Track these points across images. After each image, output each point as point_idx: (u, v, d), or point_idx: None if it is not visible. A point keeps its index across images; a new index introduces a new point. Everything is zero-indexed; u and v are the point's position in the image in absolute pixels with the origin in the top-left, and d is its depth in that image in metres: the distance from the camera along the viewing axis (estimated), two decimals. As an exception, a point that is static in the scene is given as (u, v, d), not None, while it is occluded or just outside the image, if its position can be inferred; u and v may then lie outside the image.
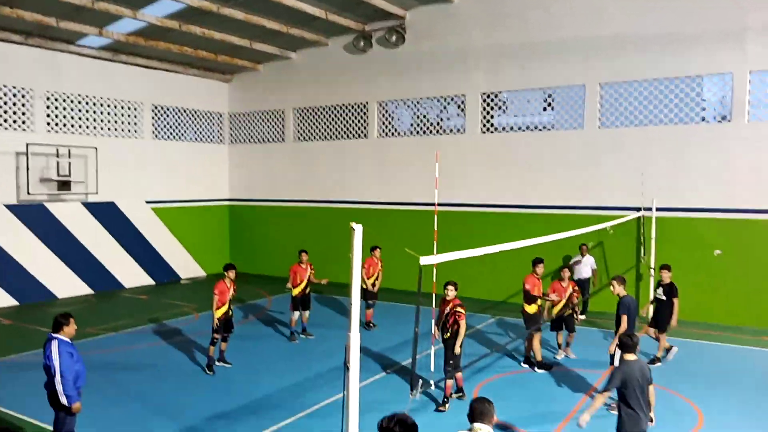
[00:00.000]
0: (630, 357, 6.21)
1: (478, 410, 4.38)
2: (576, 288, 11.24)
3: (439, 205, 16.69)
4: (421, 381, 6.55)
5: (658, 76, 14.40)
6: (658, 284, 10.93)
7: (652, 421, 6.67)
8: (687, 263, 13.62)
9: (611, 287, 9.03)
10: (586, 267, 14.42)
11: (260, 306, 15.91)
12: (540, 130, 16.24)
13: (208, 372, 10.25)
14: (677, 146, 14.20)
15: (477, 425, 4.32)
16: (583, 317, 13.67)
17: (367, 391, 8.58)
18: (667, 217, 14.18)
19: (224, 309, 10.37)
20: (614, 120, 15.15)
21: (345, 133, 19.43)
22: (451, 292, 8.80)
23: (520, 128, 16.57)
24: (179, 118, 20.53)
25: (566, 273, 11.03)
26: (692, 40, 13.90)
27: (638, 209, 14.25)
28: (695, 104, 14.25)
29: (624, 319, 8.72)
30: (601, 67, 15.02)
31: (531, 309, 10.57)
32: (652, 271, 13.92)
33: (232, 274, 10.50)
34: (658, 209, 14.16)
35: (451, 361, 8.60)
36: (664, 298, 10.59)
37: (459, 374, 8.85)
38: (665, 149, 14.31)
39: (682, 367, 10.56)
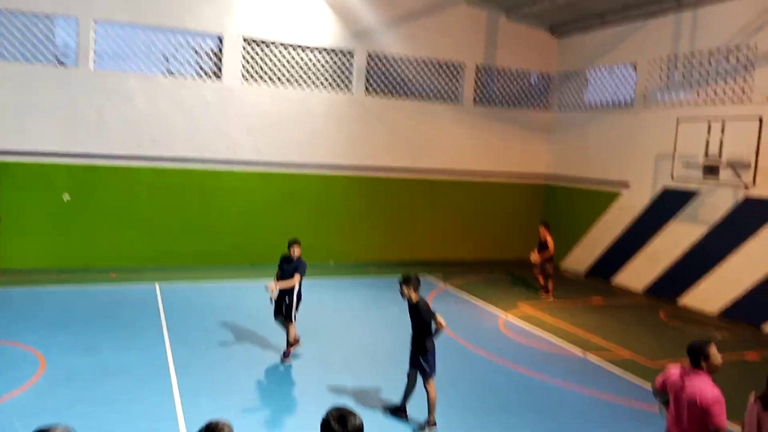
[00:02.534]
0: None
1: None
2: None
3: None
4: None
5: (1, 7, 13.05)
6: None
7: None
8: (35, 208, 13.16)
9: None
10: None
11: None
12: None
13: None
14: (22, 85, 13.28)
15: None
16: None
17: None
18: (11, 161, 13.22)
19: None
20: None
21: None
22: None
23: None
24: None
25: None
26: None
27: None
28: (44, 43, 13.58)
29: None
30: None
31: None
32: (-4, 220, 12.79)
33: None
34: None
35: None
36: None
37: None
38: (7, 86, 13.18)
39: (23, 315, 10.15)
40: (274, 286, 8.72)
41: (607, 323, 12.06)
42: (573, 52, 17.68)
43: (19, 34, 13.36)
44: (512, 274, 16.09)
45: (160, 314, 10.87)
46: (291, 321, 8.93)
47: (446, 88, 17.26)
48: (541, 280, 14.12)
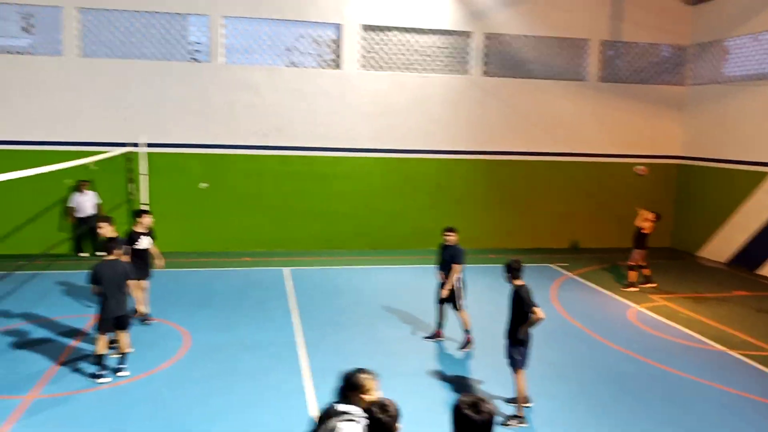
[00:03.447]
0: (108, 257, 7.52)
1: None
2: None
3: None
4: None
5: (140, 8, 14.17)
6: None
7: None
8: (176, 196, 14.27)
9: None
10: (87, 205, 13.83)
11: None
12: (17, 54, 13.99)
13: None
14: (164, 82, 14.39)
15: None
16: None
17: None
18: (155, 152, 14.38)
19: None
20: (96, 49, 14.25)
21: None
22: None
23: (-15, 49, 13.92)
24: None
25: None
26: (171, -24, 14.13)
27: (124, 145, 13.96)
28: (181, 42, 14.63)
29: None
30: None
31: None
32: (145, 206, 14.00)
33: None
34: (149, 145, 14.20)
35: None
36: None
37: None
38: (152, 84, 14.33)
39: (169, 295, 11.07)
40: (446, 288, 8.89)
41: (749, 317, 11.09)
42: (710, 19, 16.23)
43: (156, 33, 14.46)
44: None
45: (287, 296, 11.43)
46: (460, 309, 8.98)
47: (568, 64, 16.52)
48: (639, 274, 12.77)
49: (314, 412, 5.00)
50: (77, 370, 7.82)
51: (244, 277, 12.77)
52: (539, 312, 6.61)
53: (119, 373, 7.69)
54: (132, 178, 14.25)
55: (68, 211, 14.00)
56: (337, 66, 15.32)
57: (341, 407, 3.65)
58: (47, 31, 14.11)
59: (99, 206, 14.06)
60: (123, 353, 7.76)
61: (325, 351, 8.73)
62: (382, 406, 3.27)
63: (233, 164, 14.91)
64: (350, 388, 3.72)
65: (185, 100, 14.52)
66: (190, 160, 14.68)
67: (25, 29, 14.25)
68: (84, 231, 13.79)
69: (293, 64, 15.33)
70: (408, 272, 13.52)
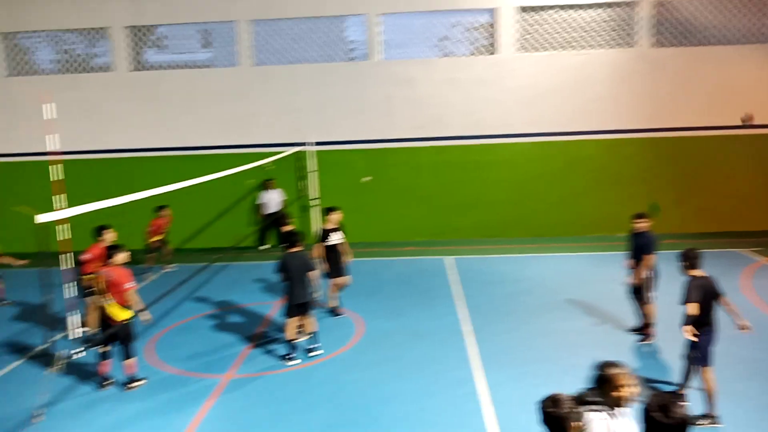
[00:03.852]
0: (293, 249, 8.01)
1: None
2: None
3: (77, 153, 15.02)
4: (58, 354, 5.84)
5: (303, 15, 15.10)
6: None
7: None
8: (342, 190, 15.08)
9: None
10: (273, 201, 14.97)
11: None
12: (198, 68, 15.66)
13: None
14: (327, 83, 15.23)
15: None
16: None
17: None
18: (322, 150, 15.28)
19: None
20: (266, 58, 15.46)
21: (-46, 71, 15.80)
22: None
23: (177, 66, 15.70)
24: None
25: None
26: (330, -19, 14.88)
27: (294, 145, 15.00)
28: (341, 43, 15.37)
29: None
30: (252, 2, 15.03)
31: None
32: (316, 202, 15.01)
33: None
34: (316, 143, 15.15)
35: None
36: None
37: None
38: (317, 86, 15.23)
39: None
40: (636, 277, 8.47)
41: None
42: None
43: (318, 37, 15.30)
44: None
45: (450, 284, 11.58)
46: (646, 302, 8.53)
47: (753, 25, 14.74)
48: None
49: (544, 396, 4.81)
50: (267, 353, 8.62)
51: (409, 266, 13.15)
52: (691, 308, 6.18)
53: (312, 353, 8.36)
54: (302, 175, 15.28)
55: (257, 208, 15.31)
56: (492, 51, 15.11)
57: (590, 397, 3.64)
58: (224, 45, 15.57)
59: (283, 203, 15.21)
60: (311, 333, 8.41)
61: (493, 341, 8.73)
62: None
63: (392, 157, 15.38)
64: (602, 380, 3.68)
65: (346, 98, 15.23)
66: (353, 156, 15.39)
67: (204, 44, 15.85)
68: (268, 225, 14.97)
69: (447, 54, 15.40)
70: (573, 261, 13.02)
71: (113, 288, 7.25)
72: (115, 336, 7.34)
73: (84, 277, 8.69)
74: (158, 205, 12.97)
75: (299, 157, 15.15)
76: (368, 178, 15.45)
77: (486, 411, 6.69)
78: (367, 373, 7.83)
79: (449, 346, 8.60)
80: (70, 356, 6.27)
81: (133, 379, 7.58)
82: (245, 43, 15.23)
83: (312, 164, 15.14)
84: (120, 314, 7.28)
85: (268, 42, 15.37)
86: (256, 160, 12.83)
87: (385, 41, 15.32)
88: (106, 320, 7.35)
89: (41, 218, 5.27)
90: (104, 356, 7.51)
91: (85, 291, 8.70)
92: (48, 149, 8.22)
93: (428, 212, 15.46)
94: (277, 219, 13.92)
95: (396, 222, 15.53)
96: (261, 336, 9.27)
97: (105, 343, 7.45)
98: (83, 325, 8.91)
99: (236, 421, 6.76)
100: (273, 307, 10.43)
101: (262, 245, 15.33)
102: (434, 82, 15.10)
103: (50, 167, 8.15)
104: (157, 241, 13.14)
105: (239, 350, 8.75)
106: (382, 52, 15.28)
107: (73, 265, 7.91)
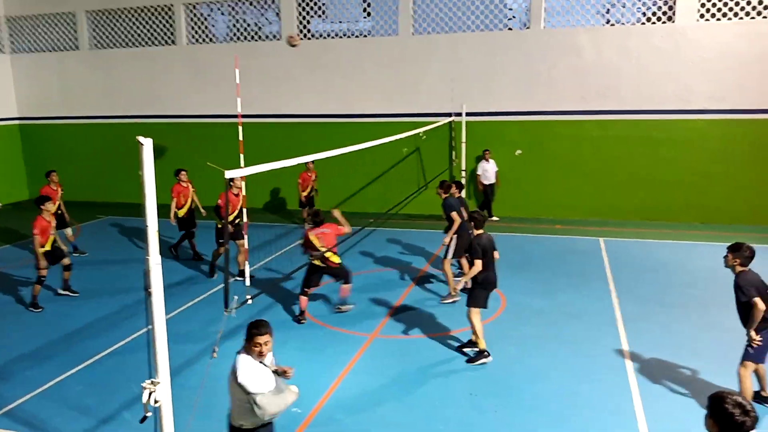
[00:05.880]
0: (479, 231, 7.39)
1: None
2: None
3: (260, 116, 16.27)
4: (235, 297, 6.40)
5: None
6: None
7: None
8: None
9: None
10: (491, 170, 14.73)
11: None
12: (359, 36, 16.07)
13: (34, 310, 9.39)
14: (485, 52, 14.90)
15: None
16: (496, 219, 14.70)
17: (176, 322, 8.46)
18: (474, 121, 15.06)
19: (49, 243, 9.55)
20: (426, 26, 15.43)
21: (151, 39, 17.67)
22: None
23: (338, 35, 16.24)
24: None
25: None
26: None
27: (449, 115, 14.92)
28: (499, 11, 14.93)
29: (454, 215, 9.40)
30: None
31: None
32: (463, 173, 14.89)
33: (50, 206, 9.72)
34: (467, 114, 14.96)
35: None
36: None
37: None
38: (474, 55, 14.96)
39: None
40: None
41: None
42: None
43: (479, 4, 14.93)
44: None
45: (605, 267, 10.97)
46: None
47: None
48: None
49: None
50: (409, 317, 8.79)
51: (560, 244, 12.66)
52: (759, 303, 5.73)
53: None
54: (454, 145, 15.20)
55: (476, 178, 14.91)
56: (670, 19, 13.79)
57: None
58: (385, 13, 15.76)
59: (497, 174, 14.81)
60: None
61: (647, 330, 8.16)
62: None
63: (551, 130, 14.75)
64: None
65: (507, 68, 14.80)
66: (508, 127, 15.00)
67: (366, 13, 16.16)
68: (488, 196, 14.75)
69: (616, 22, 14.32)
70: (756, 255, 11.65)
71: (327, 241, 8.57)
72: (337, 274, 8.81)
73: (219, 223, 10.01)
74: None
75: (453, 127, 15.07)
76: (519, 152, 14.98)
77: (637, 404, 6.29)
78: (510, 348, 7.70)
79: (601, 330, 8.18)
80: (245, 300, 6.89)
81: (344, 302, 9.03)
82: (407, 11, 15.30)
83: (463, 135, 15.00)
84: (336, 259, 8.73)
85: (428, 10, 15.30)
86: (411, 129, 12.97)
87: (549, 8, 14.59)
88: (326, 264, 8.64)
89: (229, 174, 5.72)
90: (305, 294, 8.68)
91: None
92: (238, 112, 9.27)
93: (587, 190, 14.70)
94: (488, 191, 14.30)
95: (550, 198, 14.96)
96: (404, 298, 9.48)
97: (315, 284, 8.76)
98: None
99: (384, 374, 7.04)
100: (418, 273, 10.59)
101: (490, 217, 14.64)
102: (603, 52, 14.15)
103: (239, 128, 9.34)
104: (307, 195, 13.83)
105: (384, 312, 9.02)
106: (546, 19, 14.59)
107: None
